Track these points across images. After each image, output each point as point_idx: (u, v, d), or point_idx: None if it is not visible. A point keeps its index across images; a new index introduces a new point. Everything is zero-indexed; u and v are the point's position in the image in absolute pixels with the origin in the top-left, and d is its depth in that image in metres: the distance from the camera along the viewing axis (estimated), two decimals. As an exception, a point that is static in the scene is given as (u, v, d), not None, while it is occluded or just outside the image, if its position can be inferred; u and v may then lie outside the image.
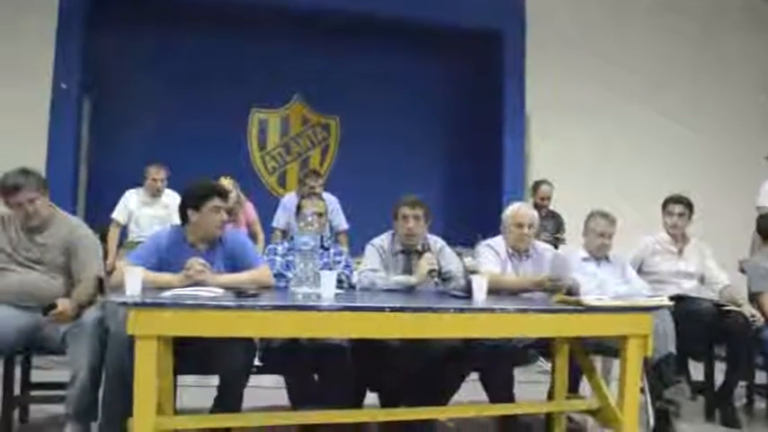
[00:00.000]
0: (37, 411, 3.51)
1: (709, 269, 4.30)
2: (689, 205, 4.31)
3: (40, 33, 5.95)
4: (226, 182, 5.29)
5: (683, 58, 7.63)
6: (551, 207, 6.18)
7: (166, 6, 6.59)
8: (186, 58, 6.75)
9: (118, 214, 5.56)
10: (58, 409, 3.13)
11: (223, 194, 3.20)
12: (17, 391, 3.27)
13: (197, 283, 2.87)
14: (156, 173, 5.56)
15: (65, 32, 6.04)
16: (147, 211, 5.57)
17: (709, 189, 6.29)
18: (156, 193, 5.60)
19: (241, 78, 6.87)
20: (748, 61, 7.85)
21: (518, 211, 3.77)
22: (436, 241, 3.75)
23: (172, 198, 5.50)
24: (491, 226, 3.97)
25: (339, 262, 3.60)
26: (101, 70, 6.47)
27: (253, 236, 5.54)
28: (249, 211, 5.78)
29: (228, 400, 2.91)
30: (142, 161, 5.67)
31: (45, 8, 5.99)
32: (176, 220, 3.30)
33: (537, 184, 6.24)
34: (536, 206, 6.01)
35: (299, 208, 3.72)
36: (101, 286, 3.25)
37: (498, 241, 3.77)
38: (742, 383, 4.17)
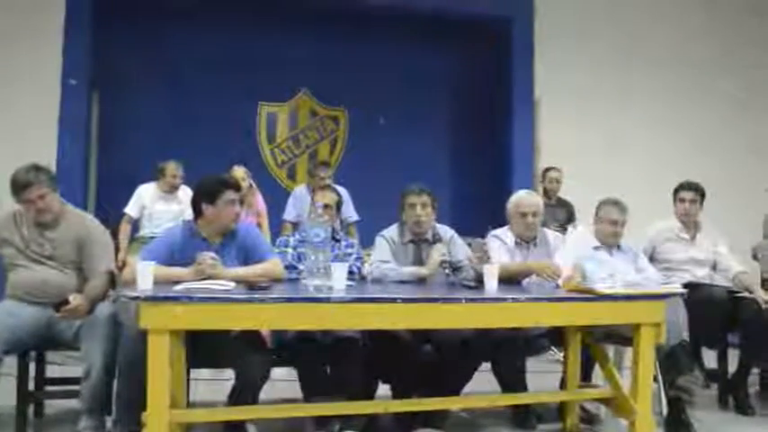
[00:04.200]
0: (51, 407, 3.54)
1: (721, 255, 4.27)
2: (700, 192, 4.28)
3: (49, 30, 5.95)
4: (239, 171, 5.28)
5: (694, 43, 7.54)
6: (562, 195, 6.15)
7: (173, 1, 6.59)
8: (193, 52, 6.72)
9: (131, 209, 5.53)
10: (73, 404, 3.16)
11: (237, 187, 3.22)
12: (32, 386, 3.29)
13: (208, 277, 2.88)
14: (176, 169, 5.53)
15: (73, 28, 6.03)
16: (161, 206, 5.54)
17: (720, 176, 6.23)
18: (171, 190, 5.58)
19: (248, 72, 6.83)
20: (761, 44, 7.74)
21: (521, 200, 3.75)
22: (446, 231, 3.74)
23: (185, 194, 5.50)
24: (502, 215, 3.95)
25: (350, 254, 3.59)
26: (109, 66, 6.45)
27: (258, 226, 5.52)
28: (259, 201, 5.78)
29: (244, 401, 2.95)
30: (151, 156, 5.67)
31: (53, 5, 5.98)
32: (189, 216, 3.31)
33: (545, 171, 6.22)
34: (545, 192, 6.02)
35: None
36: (113, 281, 3.27)
37: (505, 231, 3.77)
38: (755, 370, 4.15)
